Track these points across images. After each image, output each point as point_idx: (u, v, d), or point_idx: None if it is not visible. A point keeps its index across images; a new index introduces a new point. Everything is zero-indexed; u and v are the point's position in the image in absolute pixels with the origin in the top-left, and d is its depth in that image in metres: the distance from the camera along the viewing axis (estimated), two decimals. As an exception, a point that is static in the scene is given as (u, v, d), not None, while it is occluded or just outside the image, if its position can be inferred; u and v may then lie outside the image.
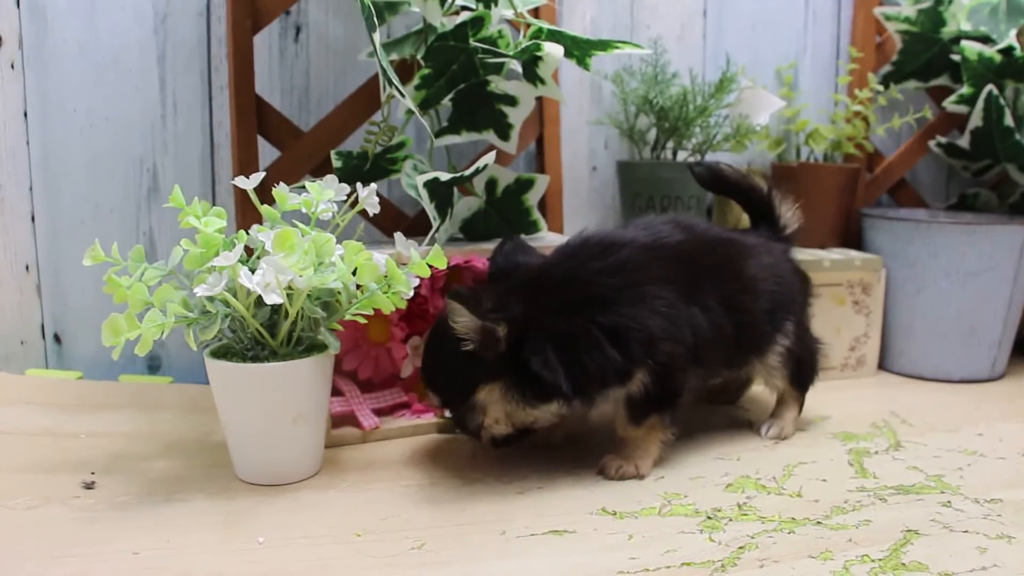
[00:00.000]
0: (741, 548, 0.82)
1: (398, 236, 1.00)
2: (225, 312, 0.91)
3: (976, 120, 1.50)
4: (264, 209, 0.98)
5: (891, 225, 1.46)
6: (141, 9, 1.28)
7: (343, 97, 1.28)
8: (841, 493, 0.96)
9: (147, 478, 0.96)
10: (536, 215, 1.24)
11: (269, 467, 0.95)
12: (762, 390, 1.22)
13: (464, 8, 1.17)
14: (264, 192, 0.97)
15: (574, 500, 0.93)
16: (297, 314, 0.92)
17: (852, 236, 1.55)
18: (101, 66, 1.28)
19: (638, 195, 1.37)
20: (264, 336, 0.93)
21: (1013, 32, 1.48)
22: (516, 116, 1.20)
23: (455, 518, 0.88)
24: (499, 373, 0.92)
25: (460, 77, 1.15)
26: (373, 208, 0.99)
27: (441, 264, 0.97)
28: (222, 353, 0.95)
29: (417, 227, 1.28)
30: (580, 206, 1.50)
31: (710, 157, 1.41)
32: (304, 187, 0.97)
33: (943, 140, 1.60)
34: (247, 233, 0.95)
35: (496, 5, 1.12)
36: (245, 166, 1.18)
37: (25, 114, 1.26)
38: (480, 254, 1.11)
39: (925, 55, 1.57)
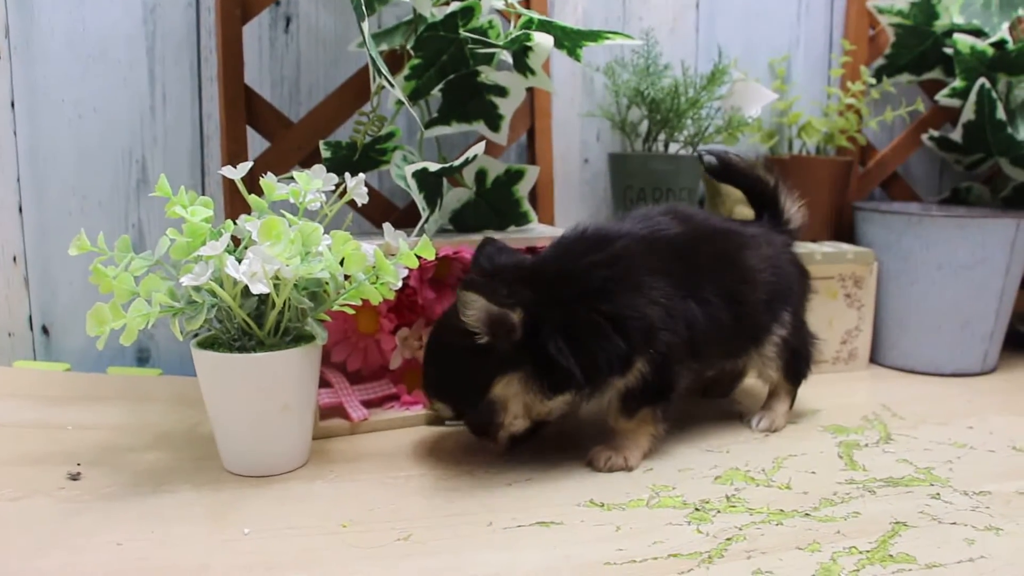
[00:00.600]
0: (729, 539, 0.81)
1: (387, 227, 0.99)
2: (211, 302, 0.90)
3: (968, 113, 1.50)
4: (252, 199, 0.97)
5: (884, 218, 1.46)
6: (130, -1, 1.27)
7: (334, 88, 1.27)
8: (830, 485, 0.95)
9: (134, 470, 0.95)
10: (526, 206, 1.24)
11: (256, 458, 0.95)
12: (755, 384, 1.21)
13: (455, -2, 1.17)
14: (253, 183, 0.96)
15: (562, 492, 0.92)
16: (284, 304, 0.91)
17: (845, 229, 1.55)
18: (89, 57, 1.27)
19: (629, 187, 1.37)
20: (251, 326, 0.92)
21: (1006, 25, 1.48)
22: (506, 107, 1.19)
23: (442, 509, 0.87)
24: (515, 363, 0.91)
25: (450, 67, 1.14)
26: (361, 198, 0.98)
27: (429, 255, 0.97)
28: (209, 344, 0.95)
29: (408, 219, 1.27)
30: (572, 198, 1.50)
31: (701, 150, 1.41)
32: (292, 177, 0.96)
33: (936, 134, 1.60)
34: (234, 223, 0.94)
35: (486, -5, 1.11)
36: (234, 157, 1.17)
37: (12, 105, 1.25)
38: (470, 245, 1.10)
39: (918, 48, 1.57)
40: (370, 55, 1.01)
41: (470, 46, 1.13)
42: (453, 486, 0.94)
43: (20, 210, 1.27)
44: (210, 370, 0.93)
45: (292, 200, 0.96)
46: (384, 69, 1.02)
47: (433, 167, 1.06)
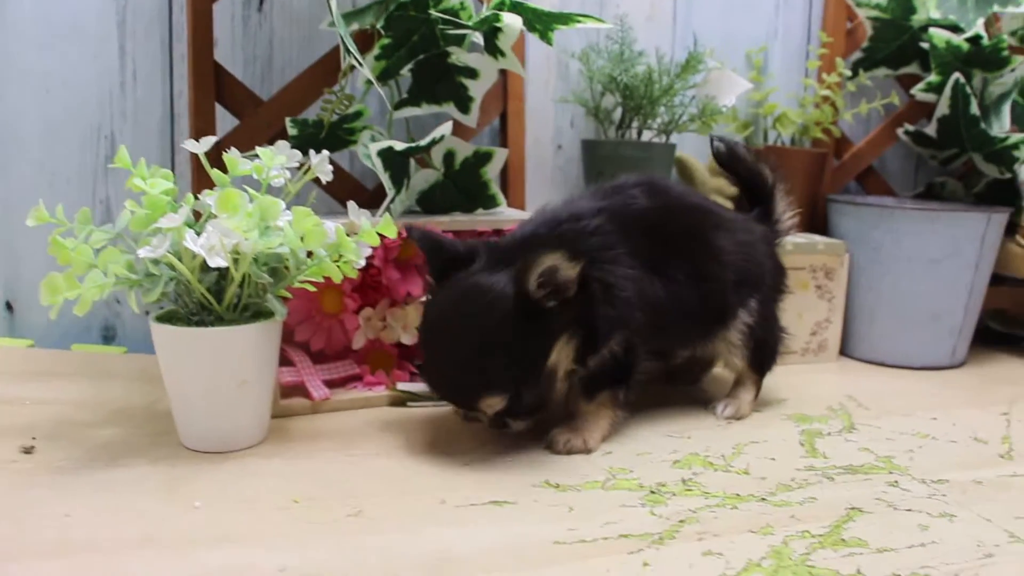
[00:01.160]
0: (681, 522, 0.81)
1: (351, 205, 0.99)
2: (170, 275, 0.89)
3: (943, 108, 1.50)
4: (214, 173, 0.96)
5: (856, 210, 1.46)
6: (100, -28, 1.26)
7: (306, 67, 1.26)
8: (789, 472, 0.95)
9: (90, 444, 0.94)
10: (495, 189, 1.23)
11: (214, 434, 0.94)
12: (724, 372, 1.21)
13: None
14: (220, 161, 0.95)
15: (519, 473, 0.92)
16: (243, 279, 0.91)
17: (819, 222, 1.55)
18: (58, 30, 1.25)
19: (602, 174, 1.36)
20: (210, 301, 0.92)
21: (981, 21, 1.48)
22: (477, 89, 1.19)
23: (397, 487, 0.87)
24: (564, 325, 0.90)
25: (420, 48, 1.13)
26: (325, 175, 0.97)
27: (392, 234, 0.96)
28: (168, 318, 0.94)
29: (376, 200, 1.26)
30: (544, 184, 1.49)
31: (675, 138, 1.41)
32: (256, 154, 0.95)
33: (911, 128, 1.60)
34: (196, 197, 0.93)
35: (458, -25, 1.11)
36: (202, 134, 1.13)
37: (-21, 76, 1.24)
38: (437, 226, 1.10)
39: (895, 42, 1.57)
40: (339, 33, 1.00)
41: (441, 27, 1.12)
42: (411, 465, 0.93)
43: (-15, 184, 1.26)
44: (168, 344, 0.92)
45: (256, 176, 0.95)
46: (353, 48, 1.01)
47: (399, 146, 1.05)
